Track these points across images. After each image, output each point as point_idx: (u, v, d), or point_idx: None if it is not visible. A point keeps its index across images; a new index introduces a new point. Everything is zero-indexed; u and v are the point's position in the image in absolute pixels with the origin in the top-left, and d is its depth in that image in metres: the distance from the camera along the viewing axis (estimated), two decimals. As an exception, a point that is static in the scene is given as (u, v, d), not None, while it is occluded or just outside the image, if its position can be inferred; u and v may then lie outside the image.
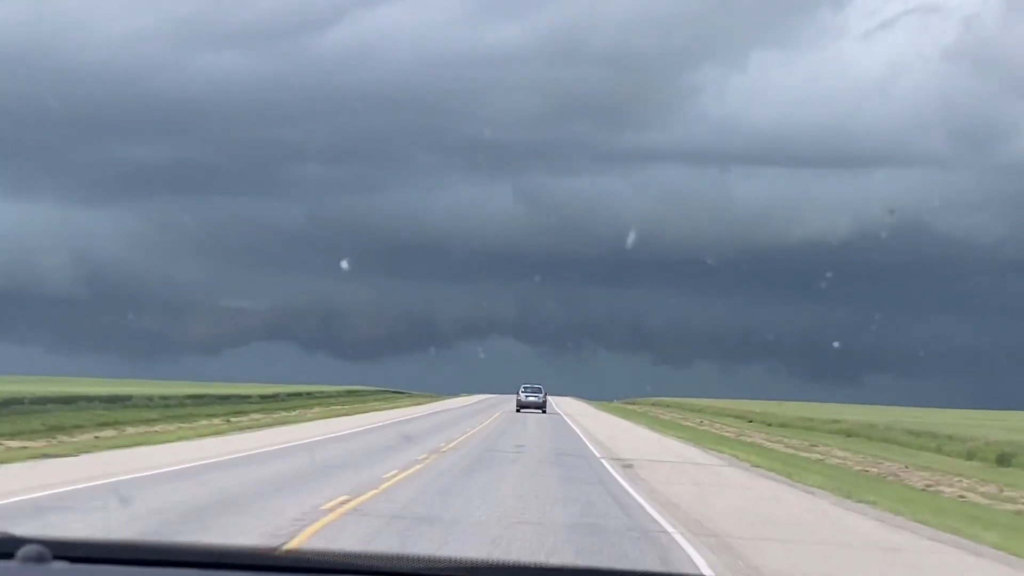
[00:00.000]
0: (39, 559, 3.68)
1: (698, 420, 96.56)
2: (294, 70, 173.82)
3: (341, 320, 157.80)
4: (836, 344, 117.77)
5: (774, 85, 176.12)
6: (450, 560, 3.96)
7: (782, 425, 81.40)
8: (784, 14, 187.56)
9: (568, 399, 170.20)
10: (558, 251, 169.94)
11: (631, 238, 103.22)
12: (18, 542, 3.73)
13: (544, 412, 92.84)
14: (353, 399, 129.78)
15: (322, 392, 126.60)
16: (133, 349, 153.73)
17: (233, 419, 68.22)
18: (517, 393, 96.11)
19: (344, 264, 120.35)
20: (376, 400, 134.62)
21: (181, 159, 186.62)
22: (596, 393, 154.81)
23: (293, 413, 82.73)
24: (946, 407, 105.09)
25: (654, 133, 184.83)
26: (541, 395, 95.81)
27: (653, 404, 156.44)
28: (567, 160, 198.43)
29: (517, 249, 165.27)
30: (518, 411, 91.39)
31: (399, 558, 3.89)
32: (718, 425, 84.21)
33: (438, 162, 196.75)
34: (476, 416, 78.35)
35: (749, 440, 60.96)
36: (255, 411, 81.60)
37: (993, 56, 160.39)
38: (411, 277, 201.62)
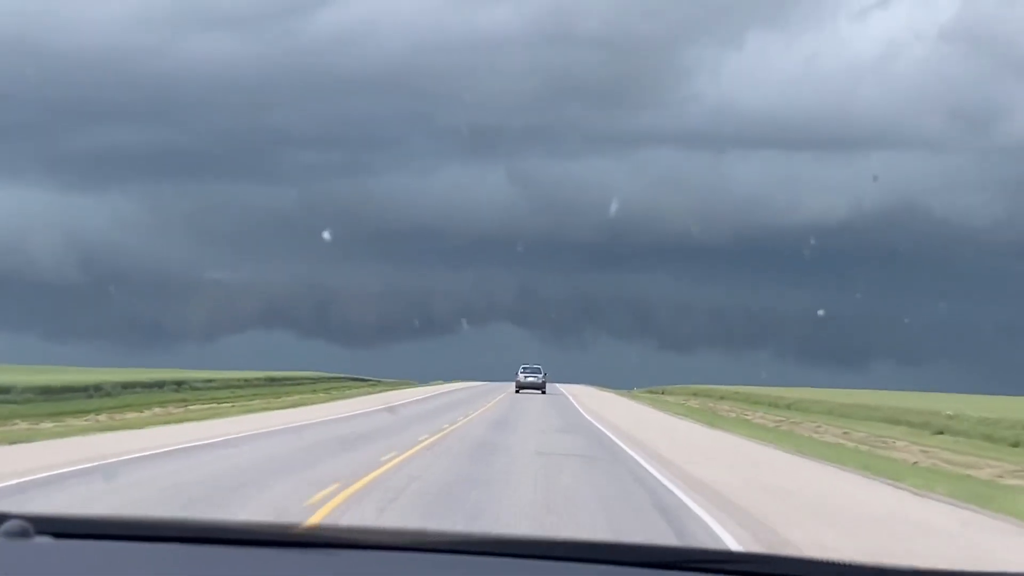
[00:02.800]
0: (22, 534, 3.61)
1: (845, 431, 53.22)
2: (284, 53, 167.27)
3: (335, 306, 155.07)
4: (821, 312, 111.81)
5: (770, 65, 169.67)
6: (474, 536, 3.75)
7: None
8: None
9: (584, 388, 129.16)
10: (555, 235, 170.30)
11: (614, 207, 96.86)
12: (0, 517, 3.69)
13: (544, 393, 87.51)
14: (267, 391, 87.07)
15: (210, 382, 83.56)
16: (127, 336, 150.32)
17: None
18: (516, 374, 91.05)
19: (326, 235, 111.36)
20: (306, 392, 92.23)
21: (172, 143, 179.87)
22: (607, 380, 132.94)
23: (51, 427, 39.94)
24: (956, 392, 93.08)
25: (651, 115, 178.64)
26: (541, 375, 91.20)
27: (695, 394, 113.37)
28: (561, 143, 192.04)
29: (513, 233, 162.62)
30: (517, 392, 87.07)
31: (422, 534, 3.74)
32: (938, 451, 40.19)
33: (431, 146, 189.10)
34: (370, 445, 35.94)
35: None
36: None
37: (991, 35, 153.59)
38: (405, 262, 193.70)
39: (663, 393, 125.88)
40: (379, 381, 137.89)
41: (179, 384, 75.99)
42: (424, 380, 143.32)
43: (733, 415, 68.26)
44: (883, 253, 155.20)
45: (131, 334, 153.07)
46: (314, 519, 15.61)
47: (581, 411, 58.30)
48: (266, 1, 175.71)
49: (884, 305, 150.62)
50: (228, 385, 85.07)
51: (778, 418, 64.26)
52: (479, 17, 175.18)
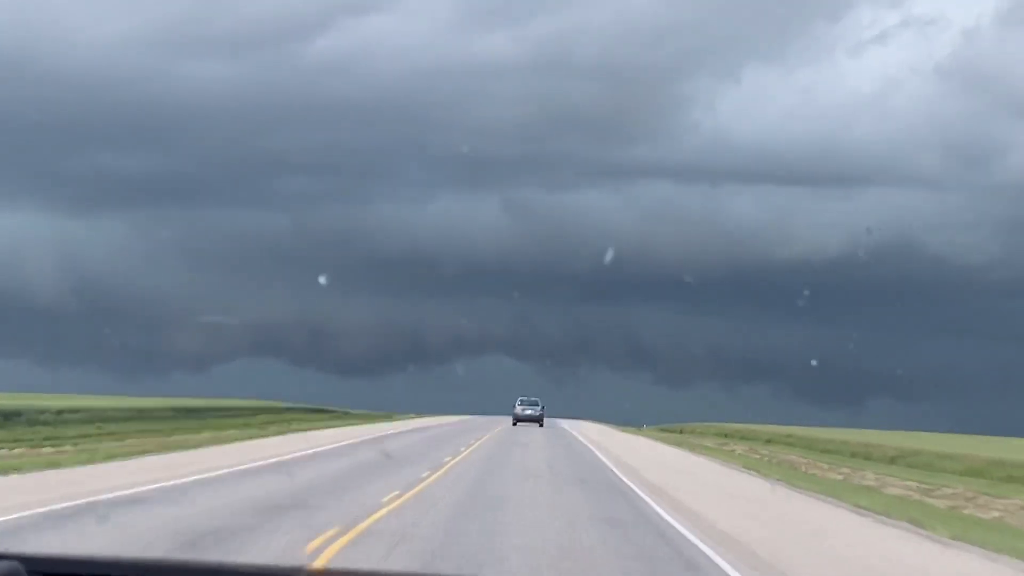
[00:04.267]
0: (14, 575, 3.60)
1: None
2: (279, 79, 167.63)
3: (329, 335, 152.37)
4: (814, 363, 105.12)
5: (767, 100, 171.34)
6: None
7: None
8: (778, 26, 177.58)
9: (590, 425, 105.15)
10: (550, 267, 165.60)
11: (609, 255, 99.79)
12: None
13: (542, 426, 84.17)
14: (168, 427, 63.01)
15: (73, 413, 59.11)
16: (119, 364, 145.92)
17: None
18: (513, 407, 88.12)
19: (322, 280, 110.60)
20: (237, 426, 68.29)
21: (165, 169, 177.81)
22: (607, 415, 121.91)
23: None
24: (952, 431, 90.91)
25: (649, 148, 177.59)
26: (539, 408, 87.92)
27: (725, 435, 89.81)
28: (556, 174, 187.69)
29: (507, 264, 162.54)
30: (514, 424, 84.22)
31: None
32: None
33: (425, 175, 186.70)
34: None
35: None
36: None
37: (988, 72, 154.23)
38: (398, 290, 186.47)
39: (681, 432, 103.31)
40: (347, 412, 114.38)
41: (7, 416, 51.70)
42: (407, 411, 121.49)
43: (839, 476, 43.57)
44: (879, 289, 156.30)
45: (121, 361, 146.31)
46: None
47: (626, 481, 33.39)
48: (262, 27, 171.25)
49: (879, 342, 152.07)
50: (102, 418, 60.90)
51: (914, 485, 39.73)
52: (476, 45, 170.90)
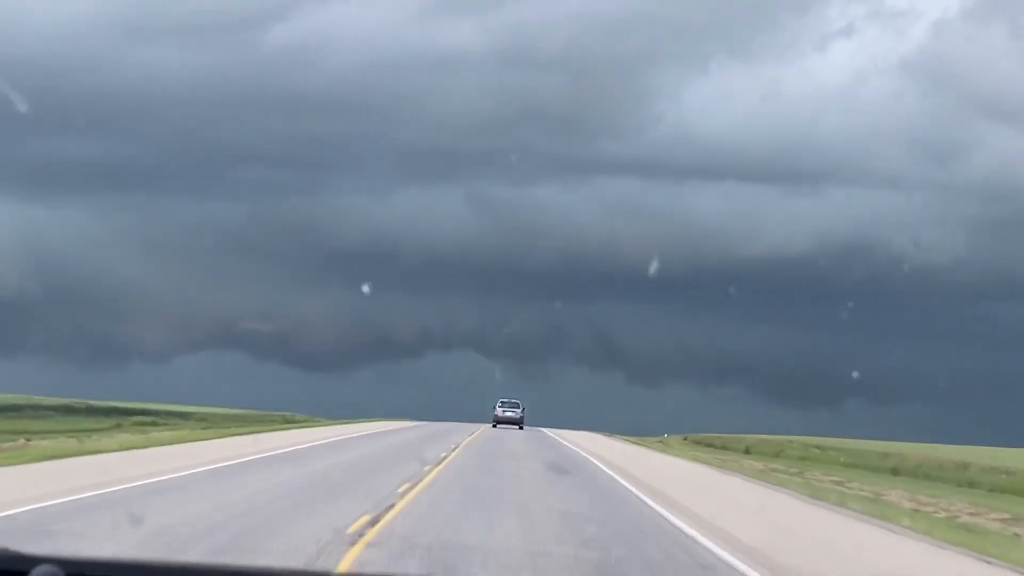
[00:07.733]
0: None
1: None
2: (237, 67, 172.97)
3: (290, 329, 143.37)
4: (855, 374, 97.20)
5: (732, 94, 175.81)
6: None
7: None
8: (742, 20, 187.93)
9: (591, 437, 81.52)
10: (514, 262, 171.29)
11: (654, 265, 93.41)
12: (32, 561, 3.65)
13: (521, 428, 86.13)
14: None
15: None
16: (69, 355, 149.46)
17: None
18: (494, 408, 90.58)
19: (365, 288, 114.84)
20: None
21: (122, 156, 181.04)
22: (592, 421, 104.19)
23: None
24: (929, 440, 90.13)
25: (613, 142, 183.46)
26: (519, 410, 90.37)
27: (845, 464, 65.50)
28: (520, 168, 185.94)
29: (470, 257, 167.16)
30: (494, 426, 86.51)
31: None
32: None
33: (388, 167, 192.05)
34: None
35: None
36: None
37: (954, 70, 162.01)
38: (360, 285, 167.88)
39: (747, 452, 74.34)
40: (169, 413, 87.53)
41: None
42: (337, 418, 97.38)
43: None
44: (846, 288, 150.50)
45: (74, 352, 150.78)
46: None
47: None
48: (219, 14, 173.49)
49: (847, 342, 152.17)
50: None
51: None
52: (439, 36, 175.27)
